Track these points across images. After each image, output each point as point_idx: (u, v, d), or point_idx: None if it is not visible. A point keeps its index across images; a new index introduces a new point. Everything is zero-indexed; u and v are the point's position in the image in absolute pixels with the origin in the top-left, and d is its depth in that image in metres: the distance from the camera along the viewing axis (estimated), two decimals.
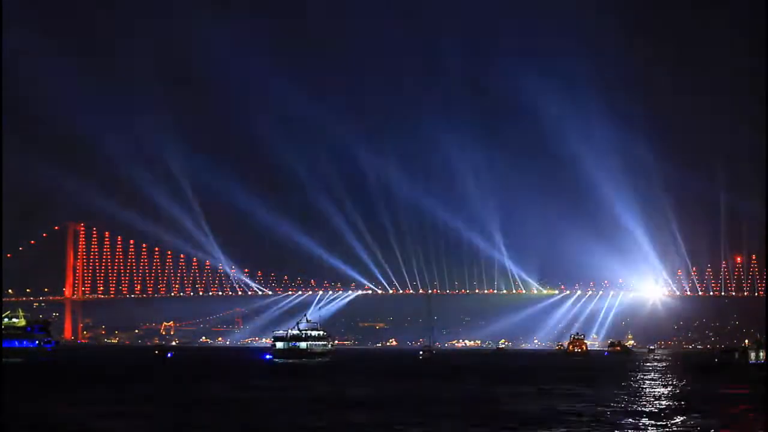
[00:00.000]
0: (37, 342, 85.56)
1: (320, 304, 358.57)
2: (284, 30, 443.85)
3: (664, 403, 65.29)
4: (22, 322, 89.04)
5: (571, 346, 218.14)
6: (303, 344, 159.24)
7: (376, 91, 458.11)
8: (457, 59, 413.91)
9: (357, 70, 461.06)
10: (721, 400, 68.76)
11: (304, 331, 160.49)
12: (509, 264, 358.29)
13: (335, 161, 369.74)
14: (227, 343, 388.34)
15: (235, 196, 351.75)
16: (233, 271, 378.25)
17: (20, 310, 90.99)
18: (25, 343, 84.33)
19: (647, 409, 59.35)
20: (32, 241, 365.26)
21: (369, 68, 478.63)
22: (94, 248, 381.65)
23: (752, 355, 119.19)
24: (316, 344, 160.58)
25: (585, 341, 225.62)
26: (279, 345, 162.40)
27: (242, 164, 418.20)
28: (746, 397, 71.46)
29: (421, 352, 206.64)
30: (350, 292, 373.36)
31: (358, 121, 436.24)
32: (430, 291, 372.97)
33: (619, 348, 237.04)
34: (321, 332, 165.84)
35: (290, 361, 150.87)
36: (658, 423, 50.92)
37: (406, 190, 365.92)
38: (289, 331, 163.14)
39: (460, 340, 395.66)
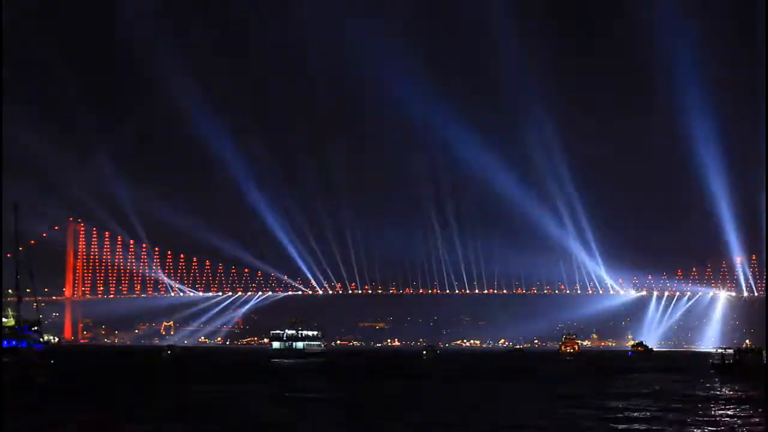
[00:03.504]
0: (26, 342, 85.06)
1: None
2: None
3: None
4: (11, 322, 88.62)
5: (563, 347, 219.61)
6: (300, 344, 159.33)
7: None
8: None
9: None
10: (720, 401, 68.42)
11: (300, 332, 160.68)
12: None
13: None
14: (227, 343, 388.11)
15: None
16: (233, 272, 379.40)
17: (9, 310, 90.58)
18: (14, 343, 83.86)
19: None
20: (32, 241, 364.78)
21: None
22: (94, 248, 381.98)
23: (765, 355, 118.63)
24: (311, 344, 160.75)
25: (577, 341, 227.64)
26: (276, 345, 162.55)
27: None
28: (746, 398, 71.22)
29: (424, 352, 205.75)
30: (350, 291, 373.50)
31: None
32: (432, 290, 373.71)
33: (641, 348, 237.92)
34: (316, 332, 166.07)
35: (287, 361, 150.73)
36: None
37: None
38: (286, 330, 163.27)
39: (466, 340, 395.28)
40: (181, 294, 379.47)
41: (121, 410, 57.02)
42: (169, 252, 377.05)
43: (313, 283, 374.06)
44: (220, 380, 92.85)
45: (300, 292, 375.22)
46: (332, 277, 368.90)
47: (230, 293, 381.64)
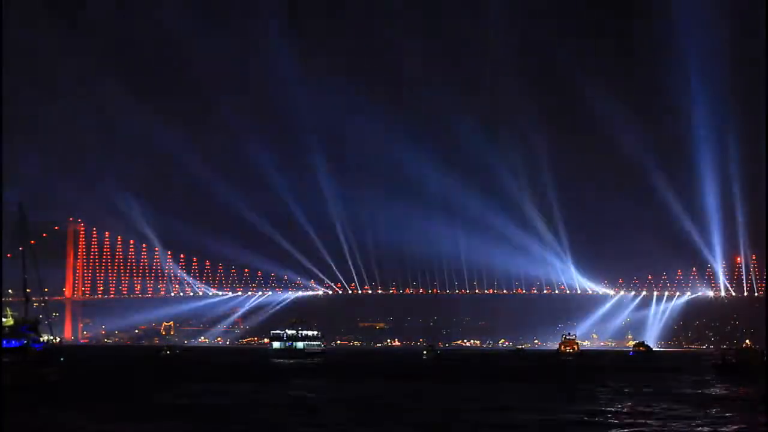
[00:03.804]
0: (24, 342, 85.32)
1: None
2: None
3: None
4: (9, 322, 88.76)
5: (562, 347, 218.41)
6: (300, 344, 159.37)
7: None
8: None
9: None
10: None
11: (300, 332, 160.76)
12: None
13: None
14: (227, 343, 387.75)
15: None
16: (233, 272, 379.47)
17: (8, 309, 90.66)
18: (13, 342, 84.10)
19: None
20: (32, 241, 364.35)
21: None
22: (94, 248, 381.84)
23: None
24: (311, 344, 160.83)
25: (576, 342, 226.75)
26: (276, 345, 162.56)
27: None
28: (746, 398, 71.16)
29: (424, 352, 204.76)
30: (350, 291, 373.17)
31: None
32: (432, 290, 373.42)
33: (643, 348, 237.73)
34: (316, 332, 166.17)
35: (287, 361, 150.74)
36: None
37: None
38: (286, 330, 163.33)
39: (466, 340, 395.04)
40: (182, 294, 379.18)
41: (126, 409, 57.03)
42: (169, 252, 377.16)
43: (314, 283, 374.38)
44: (220, 380, 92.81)
45: (300, 292, 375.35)
46: (332, 278, 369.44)
47: (230, 293, 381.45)
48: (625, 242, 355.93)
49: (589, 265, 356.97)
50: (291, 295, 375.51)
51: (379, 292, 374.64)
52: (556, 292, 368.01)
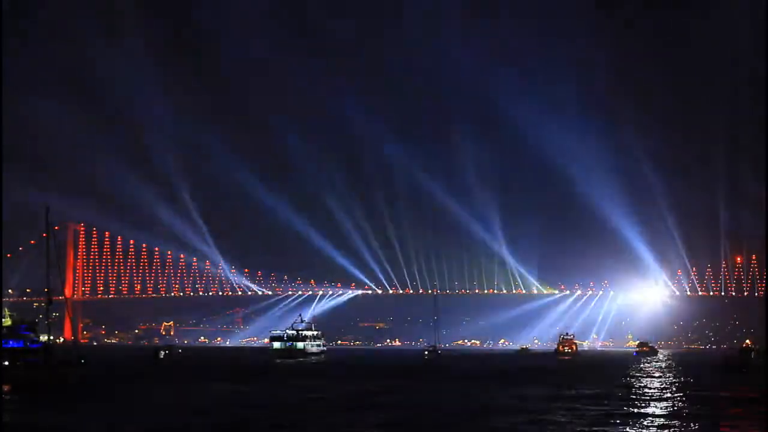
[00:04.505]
0: (23, 342, 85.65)
1: (319, 303, 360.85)
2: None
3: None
4: (8, 322, 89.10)
5: (560, 347, 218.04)
6: (300, 344, 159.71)
7: None
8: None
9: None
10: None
11: (300, 332, 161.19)
12: (510, 262, 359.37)
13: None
14: (227, 343, 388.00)
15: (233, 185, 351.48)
16: (233, 272, 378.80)
17: (6, 310, 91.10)
18: (11, 343, 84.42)
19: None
20: (32, 241, 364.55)
21: None
22: (94, 248, 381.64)
23: None
24: (312, 344, 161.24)
25: (575, 341, 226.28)
26: (276, 345, 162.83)
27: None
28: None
29: (426, 352, 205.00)
30: (350, 291, 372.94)
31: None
32: (432, 291, 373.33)
33: (647, 348, 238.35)
34: (316, 332, 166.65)
35: (288, 361, 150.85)
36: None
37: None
38: (287, 331, 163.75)
39: (466, 340, 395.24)
40: (182, 294, 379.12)
41: (127, 409, 57.10)
42: (169, 252, 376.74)
43: (313, 282, 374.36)
44: (220, 380, 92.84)
45: (300, 292, 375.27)
46: (333, 278, 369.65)
47: (230, 293, 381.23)
48: (625, 241, 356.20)
49: (590, 264, 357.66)
50: (292, 295, 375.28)
51: (379, 292, 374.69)
52: (556, 292, 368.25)
